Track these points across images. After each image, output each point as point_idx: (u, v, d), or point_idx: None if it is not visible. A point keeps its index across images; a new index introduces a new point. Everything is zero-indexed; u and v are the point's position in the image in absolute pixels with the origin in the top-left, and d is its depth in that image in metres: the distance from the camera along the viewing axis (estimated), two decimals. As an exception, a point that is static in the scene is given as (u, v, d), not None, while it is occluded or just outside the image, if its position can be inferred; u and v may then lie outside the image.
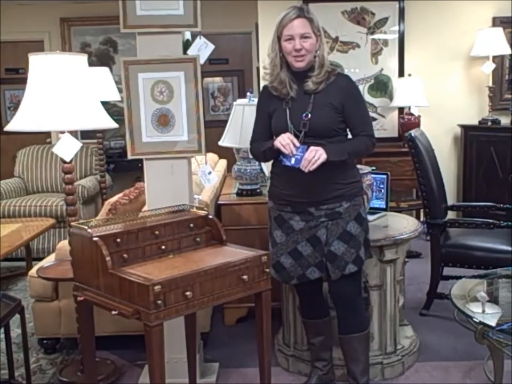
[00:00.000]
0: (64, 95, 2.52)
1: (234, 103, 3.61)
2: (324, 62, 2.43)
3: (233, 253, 2.25)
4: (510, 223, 3.48)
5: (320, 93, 2.43)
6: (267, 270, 2.20)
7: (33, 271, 3.18)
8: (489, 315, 2.37)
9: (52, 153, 4.88)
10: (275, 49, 2.45)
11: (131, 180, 5.55)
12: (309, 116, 2.41)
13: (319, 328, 2.71)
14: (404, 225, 2.97)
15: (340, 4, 5.29)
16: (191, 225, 2.35)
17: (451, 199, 4.94)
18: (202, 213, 2.43)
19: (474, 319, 2.34)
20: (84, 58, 2.68)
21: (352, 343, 2.57)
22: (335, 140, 2.44)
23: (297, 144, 2.36)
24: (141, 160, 2.73)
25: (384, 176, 3.25)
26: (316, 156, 2.31)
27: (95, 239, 2.05)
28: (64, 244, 3.06)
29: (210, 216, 2.42)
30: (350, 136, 2.55)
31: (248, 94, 3.54)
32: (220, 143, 3.55)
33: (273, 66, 2.47)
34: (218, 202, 3.49)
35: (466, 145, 5.32)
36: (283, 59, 2.45)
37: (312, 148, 2.33)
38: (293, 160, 2.34)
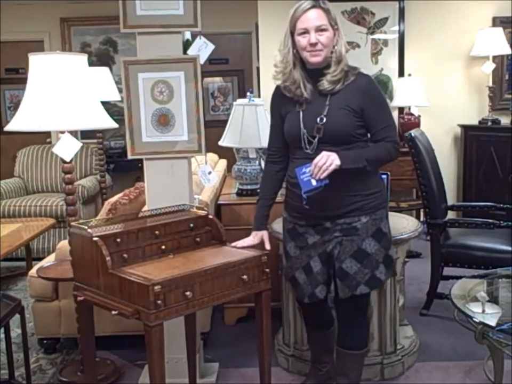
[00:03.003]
0: (64, 95, 2.52)
1: (234, 103, 3.62)
2: (342, 59, 2.20)
3: (233, 253, 2.25)
4: (510, 223, 3.48)
5: (337, 94, 2.22)
6: (267, 270, 2.20)
7: (33, 271, 3.18)
8: (489, 315, 2.37)
9: (52, 153, 4.88)
10: (288, 45, 2.23)
11: (131, 180, 5.55)
12: (324, 120, 2.20)
13: (323, 338, 2.62)
14: (404, 225, 2.96)
15: (340, 4, 5.29)
16: (191, 225, 2.35)
17: (451, 199, 4.94)
18: (202, 213, 2.43)
19: (474, 319, 2.34)
20: (84, 58, 2.68)
21: (345, 358, 2.44)
22: (353, 147, 2.23)
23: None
24: (141, 160, 2.72)
25: (384, 176, 3.23)
26: (327, 161, 2.09)
27: (95, 239, 2.05)
28: (64, 244, 3.06)
29: (210, 216, 2.42)
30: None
31: (248, 94, 3.54)
32: (220, 143, 3.56)
33: (285, 64, 2.25)
34: (218, 202, 3.49)
35: (466, 145, 5.32)
36: (296, 56, 2.24)
37: (324, 152, 2.12)
38: (311, 182, 2.13)
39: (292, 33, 2.23)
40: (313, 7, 2.17)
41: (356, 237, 2.26)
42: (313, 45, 2.17)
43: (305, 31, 2.18)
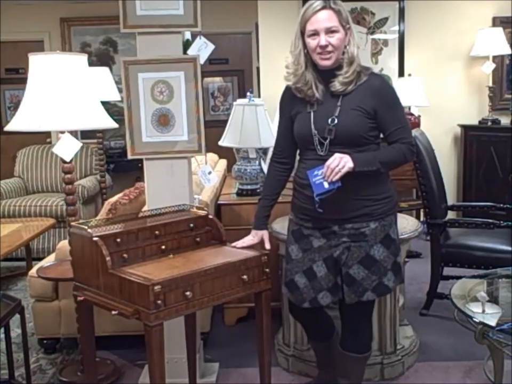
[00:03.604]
0: (64, 95, 2.52)
1: (234, 103, 3.62)
2: (354, 59, 2.15)
3: (233, 253, 2.25)
4: (510, 223, 3.48)
5: (350, 95, 2.16)
6: (267, 270, 2.20)
7: (33, 271, 3.18)
8: (489, 315, 2.37)
9: (52, 153, 4.88)
10: (298, 46, 2.18)
11: (131, 180, 5.56)
12: (336, 121, 2.15)
13: (326, 349, 2.58)
14: (404, 225, 2.96)
15: (340, 4, 5.29)
16: (191, 225, 2.35)
17: (451, 199, 4.94)
18: (202, 213, 2.43)
19: (474, 319, 2.34)
20: (84, 58, 2.68)
21: (347, 361, 2.40)
22: (366, 149, 2.18)
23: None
24: (141, 160, 2.72)
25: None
26: (340, 164, 2.05)
27: (95, 239, 2.05)
28: (64, 244, 3.06)
29: (210, 216, 2.42)
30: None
31: (248, 94, 3.54)
32: (220, 143, 3.56)
33: (296, 65, 2.20)
34: (218, 202, 3.49)
35: (466, 145, 5.32)
36: (307, 57, 2.19)
37: (337, 154, 2.08)
38: (323, 185, 2.09)
39: (302, 34, 2.18)
40: (323, 8, 2.11)
41: (364, 243, 2.21)
42: (323, 47, 2.12)
43: (315, 33, 2.13)
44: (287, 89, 2.33)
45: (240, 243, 2.36)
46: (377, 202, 2.22)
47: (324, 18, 2.11)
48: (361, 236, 2.21)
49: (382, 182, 2.25)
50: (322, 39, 2.12)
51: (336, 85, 2.17)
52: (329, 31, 2.12)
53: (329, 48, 2.13)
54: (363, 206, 2.20)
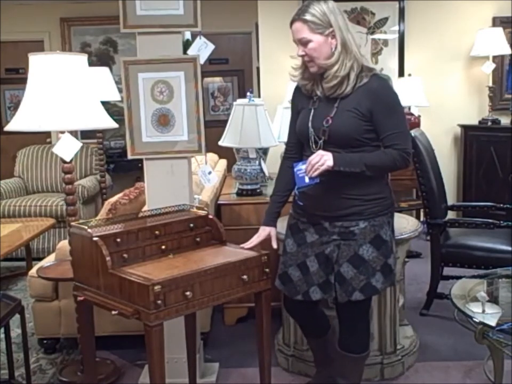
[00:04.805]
0: (64, 95, 2.52)
1: (234, 103, 3.61)
2: (332, 63, 2.15)
3: (233, 253, 2.25)
4: (510, 223, 3.49)
5: (348, 97, 2.17)
6: (267, 270, 2.20)
7: (33, 271, 3.18)
8: (489, 315, 2.37)
9: (52, 153, 4.89)
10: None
11: (131, 180, 5.56)
12: (330, 121, 2.18)
13: (322, 345, 2.59)
14: (404, 225, 2.96)
15: (340, 4, 5.15)
16: (191, 225, 2.35)
17: (451, 199, 4.94)
18: (202, 212, 2.43)
19: (474, 319, 2.34)
20: (84, 58, 2.68)
21: (345, 360, 2.39)
22: (360, 151, 2.17)
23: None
24: (141, 160, 2.72)
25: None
26: (320, 161, 2.08)
27: (95, 239, 2.05)
28: (64, 244, 3.06)
29: (210, 216, 2.41)
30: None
31: (248, 94, 3.54)
32: (220, 143, 3.56)
33: (300, 66, 2.28)
34: (218, 202, 3.49)
35: (466, 145, 5.32)
36: None
37: (319, 151, 2.13)
38: (305, 179, 2.14)
39: None
40: (293, 21, 2.18)
41: (353, 241, 2.22)
42: (301, 56, 2.20)
43: (296, 43, 2.22)
44: (296, 88, 2.39)
45: (247, 244, 2.35)
46: (367, 202, 2.22)
47: (295, 30, 2.18)
48: (350, 234, 2.23)
49: (374, 182, 2.23)
50: (298, 50, 2.20)
51: (326, 90, 2.21)
52: (301, 42, 2.18)
53: (306, 58, 2.19)
54: (352, 205, 2.21)
